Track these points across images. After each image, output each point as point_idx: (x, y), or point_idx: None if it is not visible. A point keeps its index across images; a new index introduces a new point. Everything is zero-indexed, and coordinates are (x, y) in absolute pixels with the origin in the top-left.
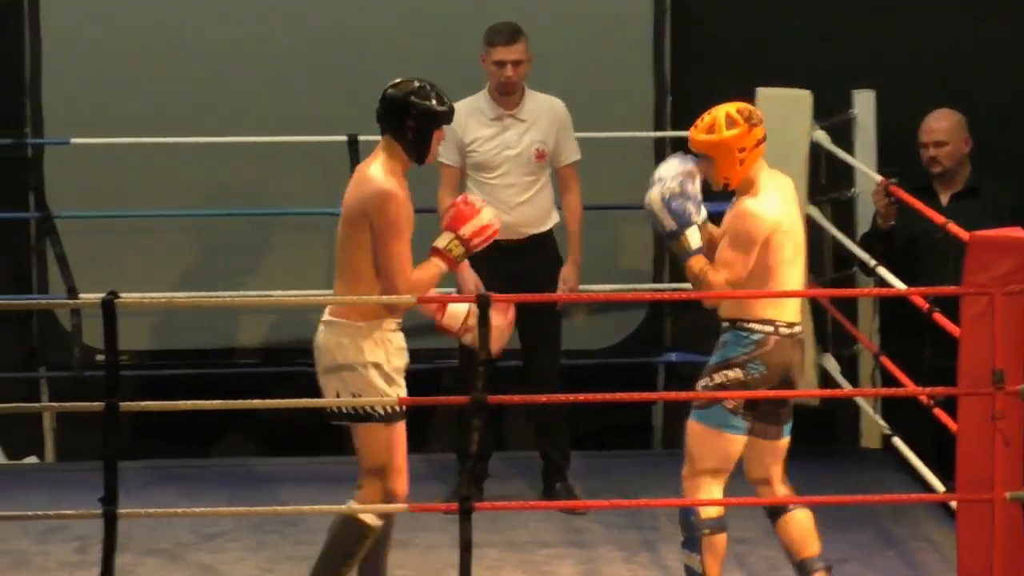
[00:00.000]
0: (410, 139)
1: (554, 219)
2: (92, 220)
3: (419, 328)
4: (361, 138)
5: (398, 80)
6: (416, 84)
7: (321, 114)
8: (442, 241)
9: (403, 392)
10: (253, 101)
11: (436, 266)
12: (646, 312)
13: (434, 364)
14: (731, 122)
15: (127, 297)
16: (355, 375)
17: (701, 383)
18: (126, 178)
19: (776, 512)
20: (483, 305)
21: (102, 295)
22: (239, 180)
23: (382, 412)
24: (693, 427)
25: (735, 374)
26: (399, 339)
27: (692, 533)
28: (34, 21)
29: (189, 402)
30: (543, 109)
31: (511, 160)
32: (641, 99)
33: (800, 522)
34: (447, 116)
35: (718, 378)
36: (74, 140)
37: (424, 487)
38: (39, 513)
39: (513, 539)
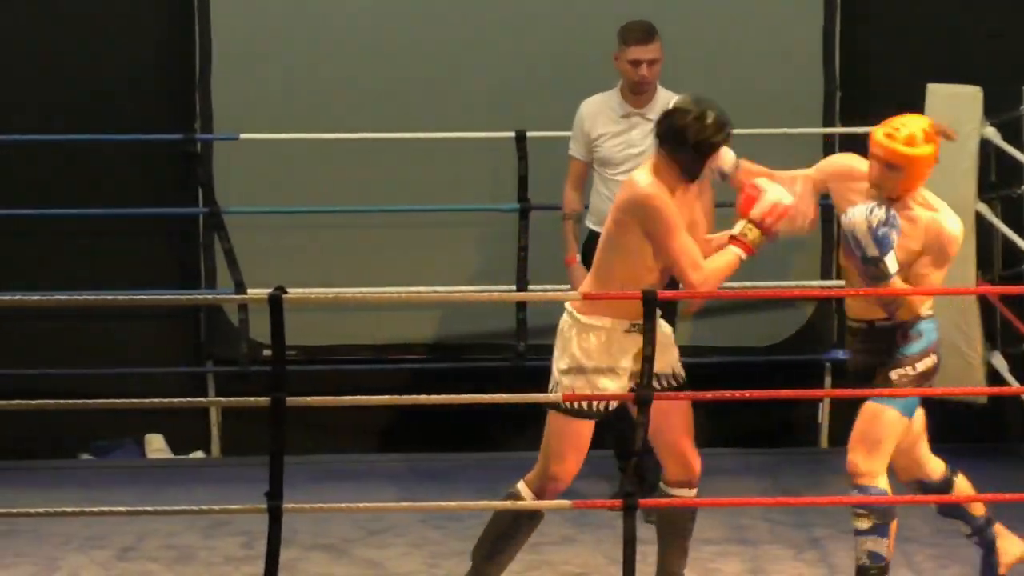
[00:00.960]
0: (688, 161)
1: None
2: (260, 215)
3: None
4: (529, 134)
5: (685, 102)
6: (701, 109)
7: (488, 110)
8: (736, 228)
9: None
10: (420, 97)
11: (732, 253)
12: (813, 309)
13: None
14: (928, 138)
15: (294, 292)
16: (567, 365)
17: (899, 372)
18: (294, 173)
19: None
20: (650, 303)
21: (269, 290)
22: (406, 176)
23: (568, 406)
24: (889, 414)
25: (932, 360)
26: (630, 341)
27: (886, 520)
28: (204, 17)
29: (354, 397)
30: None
31: (634, 158)
32: (811, 95)
33: (962, 488)
34: (725, 143)
35: (920, 366)
36: (243, 136)
37: (588, 484)
38: (205, 508)
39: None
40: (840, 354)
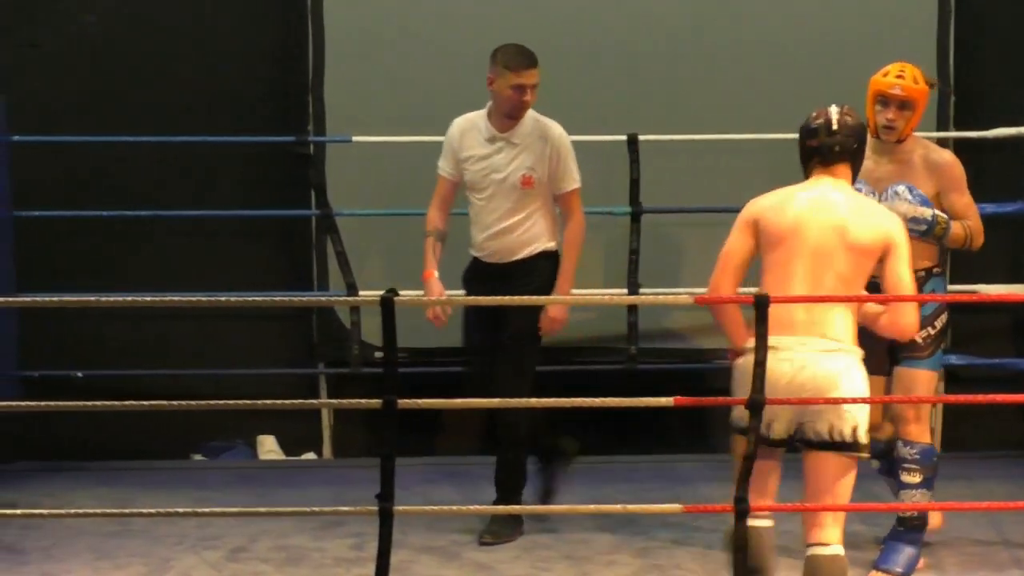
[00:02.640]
0: (861, 162)
1: (546, 246)
2: (373, 218)
3: (699, 327)
4: (641, 137)
5: (842, 108)
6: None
7: (600, 113)
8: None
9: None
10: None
11: None
12: None
13: (712, 364)
14: (922, 77)
15: (406, 294)
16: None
17: (922, 333)
18: (406, 176)
19: None
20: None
21: (381, 292)
22: None
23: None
24: (924, 376)
25: (946, 316)
26: None
27: (933, 474)
28: (317, 19)
29: (466, 400)
30: (538, 135)
31: (496, 184)
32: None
33: None
34: None
35: (939, 324)
36: (356, 138)
37: (703, 488)
38: (316, 509)
39: (789, 543)
40: (953, 359)
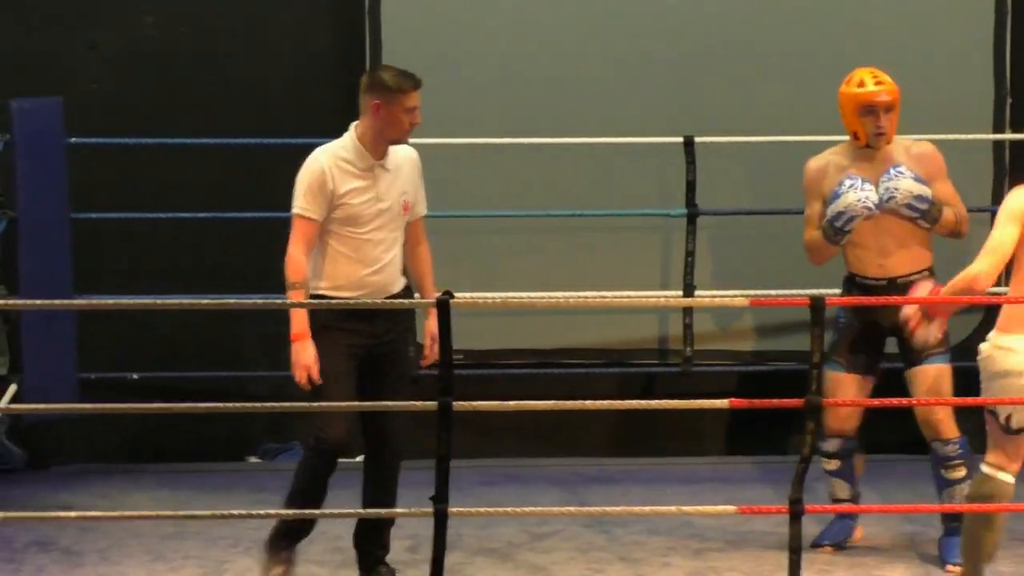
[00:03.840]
0: None
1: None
2: (428, 220)
3: (753, 329)
4: (697, 139)
5: None
6: None
7: (657, 114)
8: None
9: None
10: (588, 101)
11: None
12: (983, 315)
13: (770, 366)
14: None
15: (461, 296)
16: None
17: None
18: (461, 177)
19: None
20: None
21: (437, 294)
22: (573, 180)
23: None
24: (945, 369)
25: None
26: None
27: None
28: (374, 22)
29: (521, 402)
30: (403, 157)
31: (384, 214)
32: (981, 101)
33: None
34: None
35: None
36: (411, 140)
37: (755, 489)
38: (371, 511)
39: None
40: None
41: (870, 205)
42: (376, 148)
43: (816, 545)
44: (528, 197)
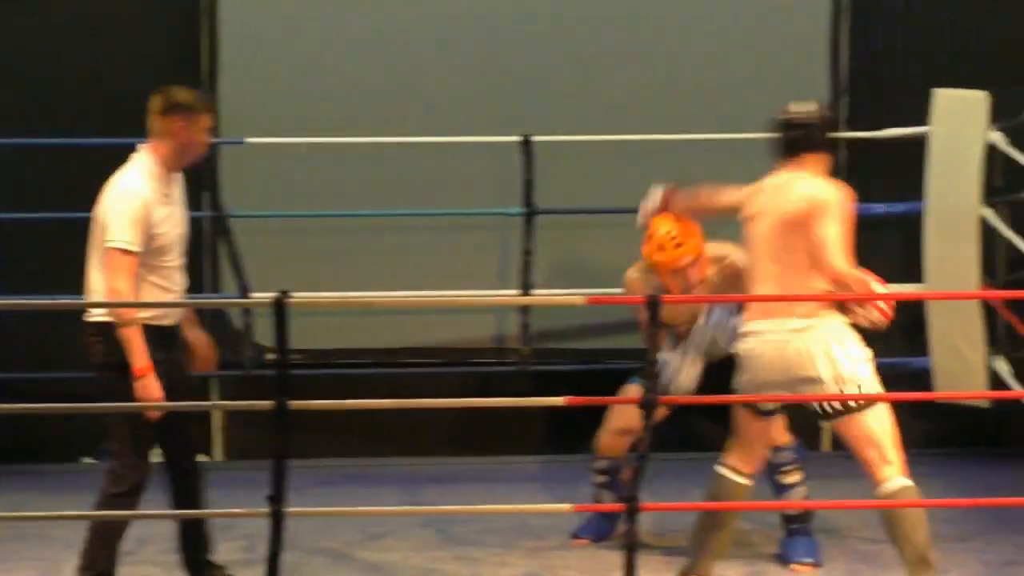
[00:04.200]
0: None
1: None
2: (265, 220)
3: (599, 327)
4: (534, 138)
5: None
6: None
7: (494, 114)
8: None
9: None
10: (426, 101)
11: None
12: None
13: (607, 365)
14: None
15: (298, 296)
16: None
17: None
18: (300, 178)
19: None
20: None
21: (274, 294)
22: (411, 179)
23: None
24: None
25: None
26: None
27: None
28: (211, 22)
29: (357, 401)
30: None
31: (181, 239)
32: (817, 100)
33: None
34: None
35: None
36: (249, 140)
37: (592, 488)
38: (207, 511)
39: (679, 543)
40: None
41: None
42: (174, 171)
43: (575, 537)
44: (367, 197)
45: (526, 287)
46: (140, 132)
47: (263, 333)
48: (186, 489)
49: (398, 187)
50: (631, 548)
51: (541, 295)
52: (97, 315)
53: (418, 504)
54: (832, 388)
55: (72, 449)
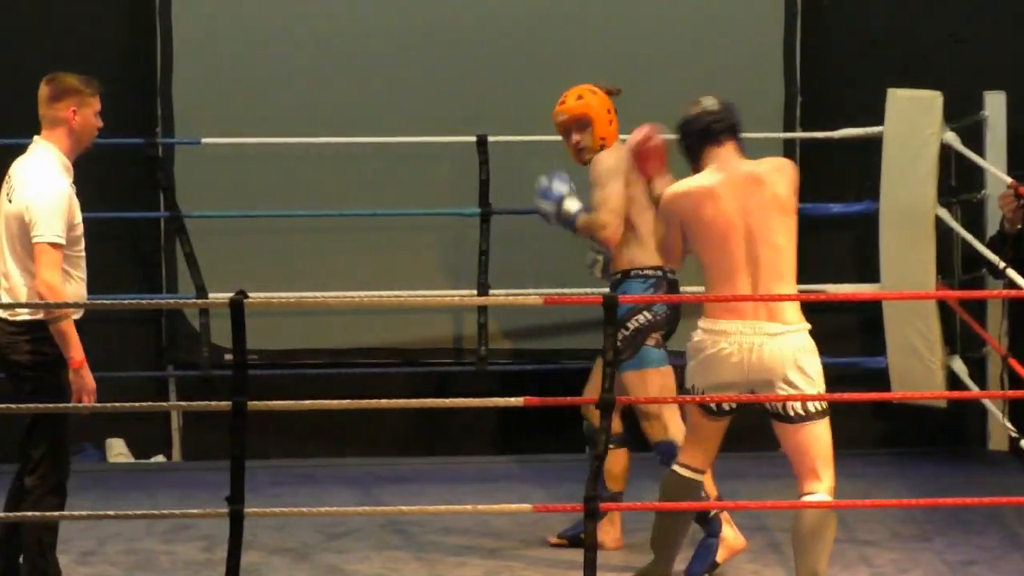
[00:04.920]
0: None
1: None
2: (222, 220)
3: (557, 327)
4: (490, 138)
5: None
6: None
7: (450, 115)
8: None
9: None
10: (383, 101)
11: None
12: None
13: (565, 364)
14: (591, 89)
15: (255, 297)
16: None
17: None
18: (256, 178)
19: None
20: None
21: (231, 294)
22: (367, 180)
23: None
24: (630, 376)
25: (644, 317)
26: None
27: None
28: (165, 21)
29: (316, 402)
30: None
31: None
32: (771, 100)
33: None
34: None
35: (632, 325)
36: (205, 140)
37: (550, 488)
38: (165, 512)
39: (639, 541)
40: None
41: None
42: (72, 160)
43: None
44: (324, 197)
45: (483, 287)
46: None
47: (220, 334)
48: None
49: (355, 188)
50: (591, 548)
51: (498, 295)
52: (24, 314)
53: (377, 504)
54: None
55: None
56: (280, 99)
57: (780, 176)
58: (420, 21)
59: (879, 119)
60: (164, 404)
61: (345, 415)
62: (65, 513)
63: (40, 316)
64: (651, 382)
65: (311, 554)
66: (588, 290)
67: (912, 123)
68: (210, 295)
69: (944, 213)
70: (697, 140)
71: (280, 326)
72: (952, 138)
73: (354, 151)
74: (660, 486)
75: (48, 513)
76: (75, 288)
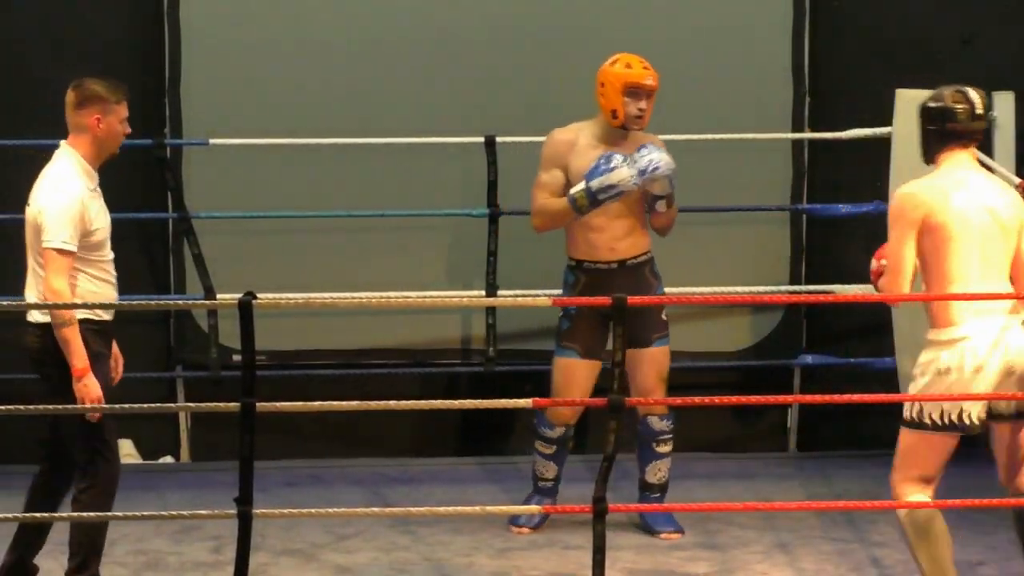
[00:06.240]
0: None
1: None
2: (230, 221)
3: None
4: (499, 139)
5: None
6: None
7: (459, 115)
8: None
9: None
10: (391, 102)
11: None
12: (782, 314)
13: None
14: None
15: (264, 298)
16: None
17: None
18: (264, 179)
19: None
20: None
21: (239, 295)
22: (377, 181)
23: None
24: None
25: None
26: None
27: None
28: (173, 22)
29: (324, 403)
30: None
31: (108, 229)
32: (780, 100)
33: None
34: None
35: None
36: (213, 141)
37: (565, 489)
38: (174, 513)
39: (647, 542)
40: (809, 359)
41: (637, 181)
42: (97, 165)
43: (673, 532)
44: (332, 197)
45: (491, 288)
46: None
47: (228, 334)
48: (54, 492)
49: (363, 188)
50: (600, 550)
51: (506, 296)
52: (37, 316)
53: (385, 505)
54: None
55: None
56: (288, 100)
57: (1011, 203)
58: (428, 21)
59: (888, 120)
60: (172, 405)
61: (353, 416)
62: (74, 515)
63: (48, 319)
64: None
65: (319, 555)
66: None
67: None
68: (218, 296)
69: None
70: (944, 135)
71: (288, 327)
72: None
73: (362, 152)
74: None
75: (44, 514)
76: (105, 292)
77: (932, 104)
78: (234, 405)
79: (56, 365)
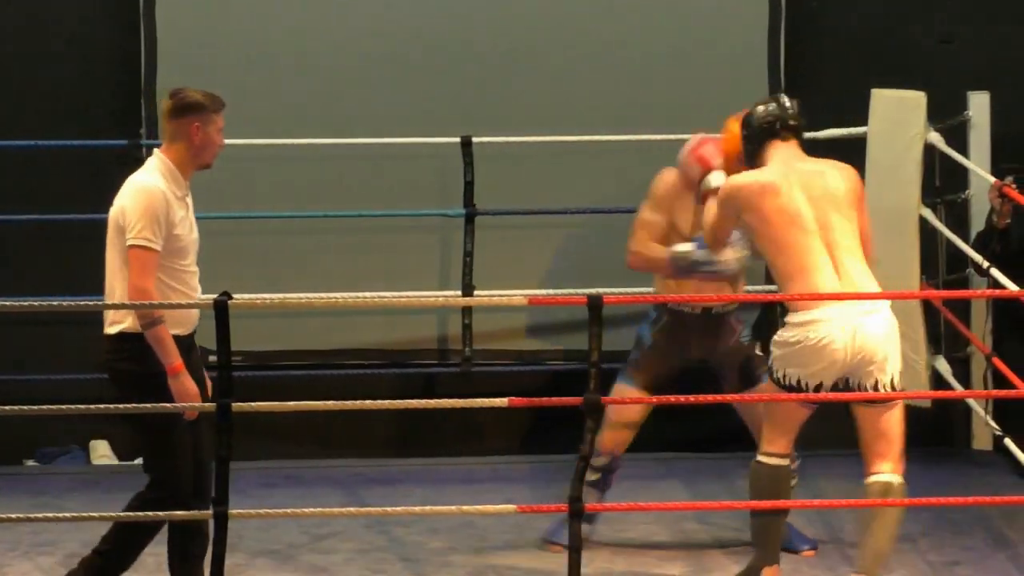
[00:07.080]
0: None
1: None
2: (204, 222)
3: (532, 328)
4: (475, 139)
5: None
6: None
7: (435, 115)
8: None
9: None
10: (367, 103)
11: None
12: (759, 313)
13: (550, 365)
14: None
15: (240, 298)
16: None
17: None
18: (240, 179)
19: None
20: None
21: (215, 296)
22: (352, 181)
23: None
24: None
25: None
26: None
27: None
28: (149, 22)
29: (300, 403)
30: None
31: (196, 243)
32: (755, 99)
33: None
34: None
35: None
36: None
37: (535, 489)
38: (150, 514)
39: (623, 540)
40: None
41: (735, 267)
42: (188, 174)
43: (548, 541)
44: (308, 198)
45: (468, 288)
46: (77, 134)
47: (204, 335)
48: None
49: (339, 189)
50: (576, 549)
51: (483, 296)
52: (119, 326)
53: (362, 505)
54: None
55: (15, 452)
56: (263, 101)
57: (841, 173)
58: (405, 22)
59: (863, 119)
60: (147, 405)
61: (330, 416)
62: (50, 515)
63: (130, 327)
64: None
65: (296, 555)
66: (573, 291)
67: (896, 124)
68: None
69: (928, 213)
70: (761, 134)
71: (264, 327)
72: (936, 139)
73: (338, 152)
74: (751, 478)
75: (42, 515)
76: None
77: (745, 119)
78: (210, 406)
79: (142, 377)
